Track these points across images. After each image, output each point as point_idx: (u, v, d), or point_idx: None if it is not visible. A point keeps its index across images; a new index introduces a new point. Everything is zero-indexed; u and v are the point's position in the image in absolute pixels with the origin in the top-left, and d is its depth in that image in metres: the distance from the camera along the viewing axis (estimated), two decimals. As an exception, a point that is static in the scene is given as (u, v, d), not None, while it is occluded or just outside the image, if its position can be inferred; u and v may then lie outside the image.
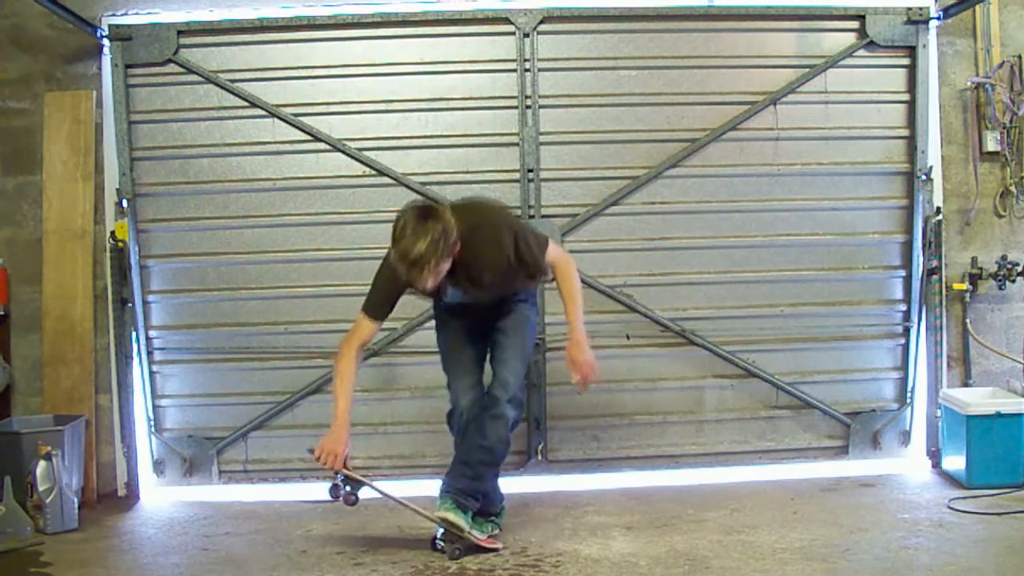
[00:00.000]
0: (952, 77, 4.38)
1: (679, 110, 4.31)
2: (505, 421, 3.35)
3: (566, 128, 4.29)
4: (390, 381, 4.33)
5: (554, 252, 3.35)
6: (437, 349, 3.58)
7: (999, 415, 3.92)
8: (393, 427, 4.35)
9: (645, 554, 3.27)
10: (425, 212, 3.05)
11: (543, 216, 4.26)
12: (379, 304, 3.32)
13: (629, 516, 3.72)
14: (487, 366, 3.51)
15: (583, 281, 4.22)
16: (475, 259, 3.16)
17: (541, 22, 4.23)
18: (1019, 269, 4.24)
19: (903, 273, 4.39)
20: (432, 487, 4.04)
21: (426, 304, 4.26)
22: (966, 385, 4.37)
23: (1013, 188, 4.38)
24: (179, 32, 4.20)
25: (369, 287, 3.33)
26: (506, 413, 3.35)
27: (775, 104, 4.30)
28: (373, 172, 4.27)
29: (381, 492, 3.40)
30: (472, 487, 3.35)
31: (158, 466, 4.29)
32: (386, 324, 4.27)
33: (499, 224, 3.26)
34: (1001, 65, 4.33)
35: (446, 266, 3.07)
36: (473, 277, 3.21)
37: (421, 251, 2.95)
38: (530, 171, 4.25)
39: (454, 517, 3.27)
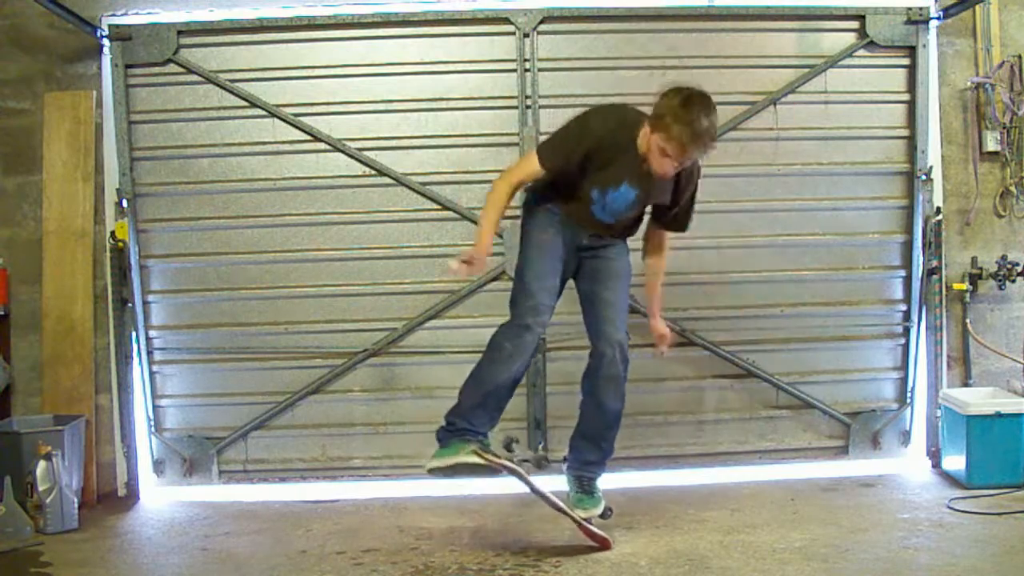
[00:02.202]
0: (952, 77, 4.38)
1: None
2: (622, 380, 3.29)
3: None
4: (390, 381, 4.33)
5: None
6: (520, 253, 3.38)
7: (999, 415, 3.92)
8: (393, 427, 4.35)
9: (645, 554, 3.27)
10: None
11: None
12: (557, 152, 3.19)
13: (629, 516, 3.71)
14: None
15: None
16: (675, 182, 3.22)
17: (541, 22, 4.23)
18: (1019, 269, 4.24)
19: (903, 273, 4.39)
20: (432, 487, 4.07)
21: (426, 304, 4.28)
22: (966, 385, 4.37)
23: (1013, 188, 4.38)
24: (179, 32, 4.20)
25: (554, 134, 3.27)
26: (621, 373, 3.28)
27: (775, 104, 4.30)
28: (373, 172, 4.27)
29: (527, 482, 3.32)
30: (605, 459, 3.38)
31: (158, 466, 4.29)
32: (386, 324, 4.34)
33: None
34: (1001, 65, 4.33)
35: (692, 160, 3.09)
36: (659, 193, 3.24)
37: (710, 126, 2.98)
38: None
39: (598, 509, 3.34)
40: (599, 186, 3.20)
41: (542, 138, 4.23)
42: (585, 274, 3.40)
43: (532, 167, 3.20)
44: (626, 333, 3.34)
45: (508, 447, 3.73)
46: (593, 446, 3.37)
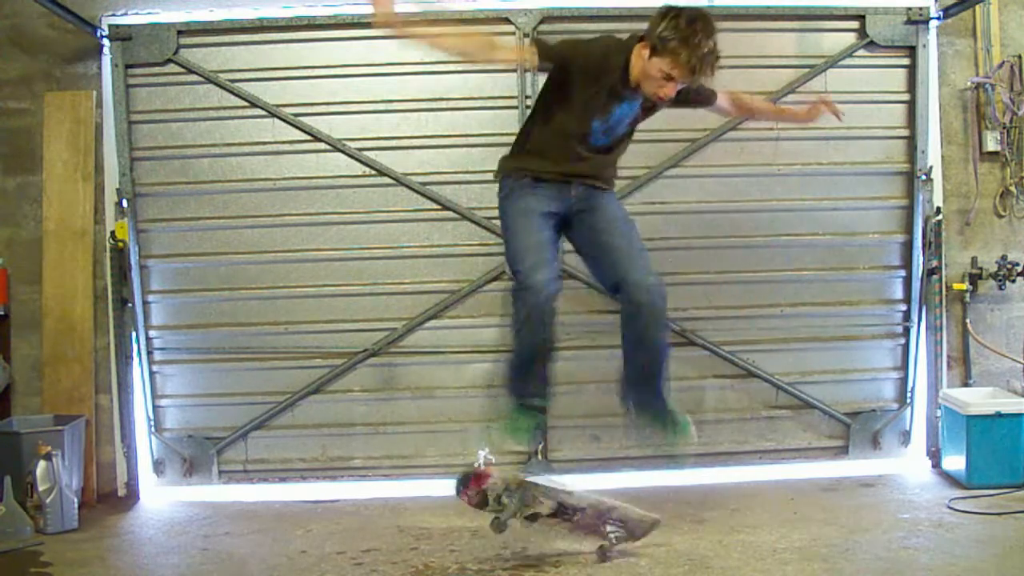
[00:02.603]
0: (952, 77, 4.38)
1: (679, 110, 4.29)
2: (665, 319, 3.16)
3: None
4: (390, 381, 4.33)
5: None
6: (502, 229, 3.25)
7: (999, 415, 3.92)
8: (393, 427, 4.35)
9: (645, 554, 3.27)
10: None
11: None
12: (559, 51, 3.03)
13: (629, 516, 3.71)
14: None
15: (583, 281, 4.25)
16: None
17: (541, 22, 4.23)
18: (1019, 269, 4.24)
19: (903, 273, 4.39)
20: (432, 487, 4.07)
21: (426, 304, 4.27)
22: (966, 385, 4.37)
23: (1013, 188, 4.38)
24: (179, 32, 4.20)
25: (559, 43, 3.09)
26: (663, 316, 3.13)
27: (775, 104, 4.29)
28: (373, 172, 4.27)
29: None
30: (665, 387, 3.26)
31: (158, 466, 4.29)
32: (386, 324, 4.33)
33: None
34: (1001, 65, 4.33)
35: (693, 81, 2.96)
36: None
37: (716, 45, 2.86)
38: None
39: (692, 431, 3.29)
40: (596, 114, 3.06)
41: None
42: (583, 231, 3.22)
43: (517, 51, 3.15)
44: (656, 275, 3.14)
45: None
46: (653, 383, 3.22)
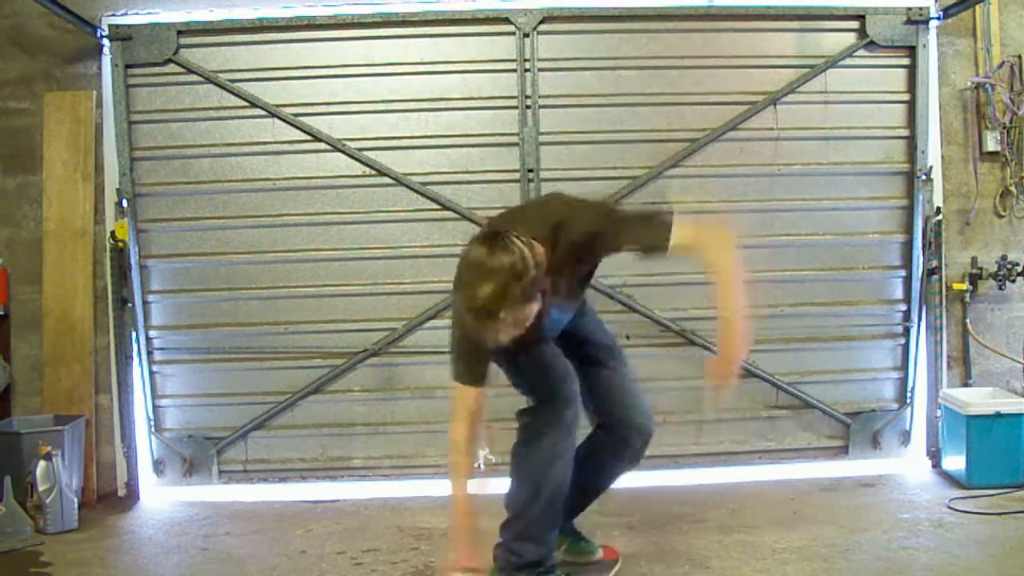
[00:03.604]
0: (952, 77, 4.38)
1: (679, 110, 4.31)
2: (641, 452, 2.96)
3: (566, 128, 4.28)
4: (390, 381, 4.33)
5: (682, 227, 2.59)
6: (514, 379, 2.83)
7: (999, 415, 3.92)
8: (393, 427, 4.35)
9: (645, 554, 3.27)
10: (492, 239, 2.36)
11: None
12: (470, 367, 2.59)
13: (629, 516, 3.71)
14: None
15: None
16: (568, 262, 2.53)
17: (541, 22, 4.23)
18: (1019, 269, 4.24)
19: (903, 273, 4.39)
20: (432, 487, 4.07)
21: (426, 304, 4.28)
22: (966, 385, 4.37)
23: (1013, 188, 4.38)
24: (179, 32, 4.20)
25: (450, 348, 2.67)
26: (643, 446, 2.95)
27: (775, 104, 4.30)
28: (373, 172, 4.27)
29: None
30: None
31: (158, 466, 4.29)
32: (385, 324, 4.34)
33: (579, 204, 2.60)
34: (1001, 65, 4.33)
35: (534, 308, 2.35)
36: (558, 295, 2.58)
37: (492, 297, 2.25)
38: (530, 171, 4.25)
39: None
40: (540, 324, 2.53)
41: (542, 138, 4.26)
42: (582, 339, 2.91)
43: (469, 394, 2.60)
44: (649, 409, 2.95)
45: None
46: (580, 509, 3.05)
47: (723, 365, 2.43)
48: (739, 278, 2.47)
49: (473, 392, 2.61)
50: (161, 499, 4.21)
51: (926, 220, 4.27)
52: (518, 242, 2.34)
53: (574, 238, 2.48)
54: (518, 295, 2.28)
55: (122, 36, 4.18)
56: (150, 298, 4.30)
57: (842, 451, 4.38)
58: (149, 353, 4.28)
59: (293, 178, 4.29)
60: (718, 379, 2.46)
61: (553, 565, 2.83)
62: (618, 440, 2.93)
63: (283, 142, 4.27)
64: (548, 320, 2.60)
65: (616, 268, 4.29)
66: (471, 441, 2.64)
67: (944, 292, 4.32)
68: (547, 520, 2.74)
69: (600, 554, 3.14)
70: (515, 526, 2.75)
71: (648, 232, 2.53)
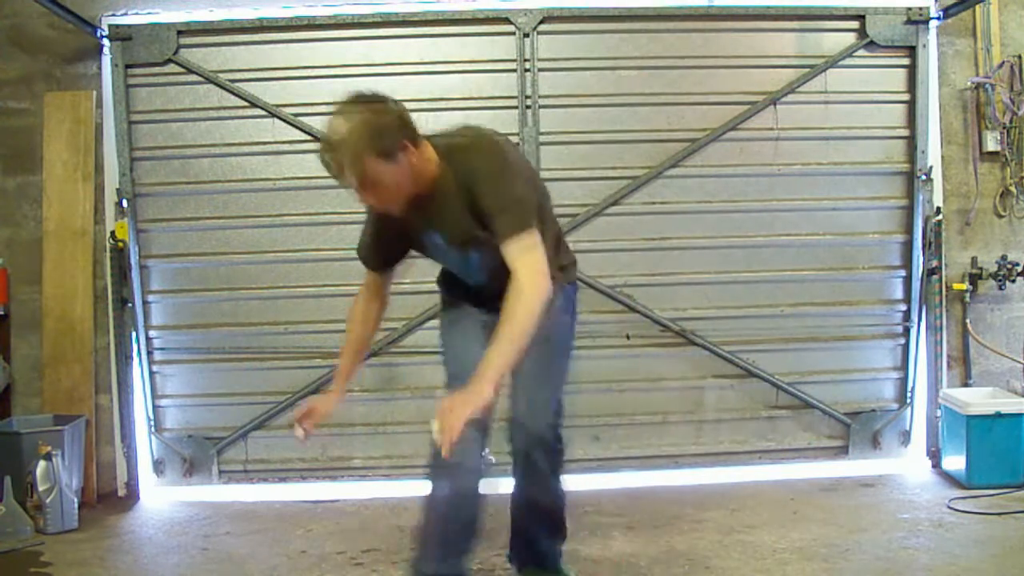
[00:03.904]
0: (952, 77, 4.38)
1: (679, 110, 4.31)
2: (538, 463, 2.59)
3: (566, 128, 4.28)
4: (390, 381, 4.33)
5: (524, 250, 2.32)
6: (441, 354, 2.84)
7: (999, 415, 3.92)
8: (393, 427, 4.35)
9: (645, 554, 3.27)
10: (365, 95, 2.33)
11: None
12: (366, 245, 2.66)
13: (629, 516, 3.72)
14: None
15: (583, 281, 4.25)
16: (445, 190, 2.41)
17: (541, 22, 4.23)
18: (1019, 269, 4.24)
19: (903, 273, 4.39)
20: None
21: (426, 304, 4.27)
22: (966, 385, 4.37)
23: (1013, 188, 4.38)
24: (179, 32, 4.20)
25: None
26: (532, 453, 2.57)
27: (775, 104, 4.30)
28: (373, 172, 4.27)
29: None
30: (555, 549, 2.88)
31: (158, 466, 4.29)
32: (386, 324, 4.30)
33: (492, 146, 2.45)
34: (1001, 65, 4.33)
35: (389, 174, 2.29)
36: (440, 215, 2.45)
37: (342, 133, 2.23)
38: None
39: None
40: (417, 234, 2.57)
41: (542, 138, 4.26)
42: None
43: (367, 275, 2.72)
44: (552, 418, 2.59)
45: None
46: (537, 546, 2.85)
47: (444, 404, 2.20)
48: (520, 336, 2.24)
49: (369, 274, 2.70)
50: (161, 499, 4.21)
51: (926, 220, 4.27)
52: (397, 107, 2.33)
53: (457, 166, 2.41)
54: (369, 140, 2.23)
55: (122, 36, 4.18)
56: (150, 298, 4.30)
57: (842, 451, 4.38)
58: (149, 353, 4.28)
59: (293, 178, 4.29)
60: (440, 418, 2.19)
61: None
62: (512, 451, 2.61)
63: (283, 142, 4.27)
64: (430, 240, 2.53)
65: (616, 268, 4.31)
66: (365, 299, 2.71)
67: (944, 292, 4.32)
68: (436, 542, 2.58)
69: None
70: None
71: (505, 217, 2.35)
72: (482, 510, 2.56)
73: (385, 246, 2.66)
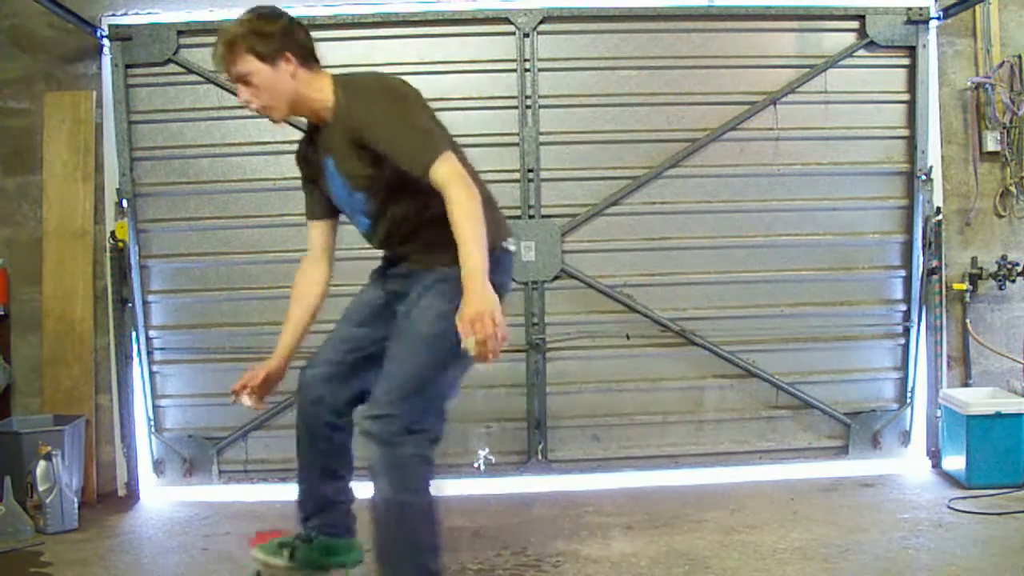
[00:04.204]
0: (952, 77, 4.38)
1: (679, 110, 4.31)
2: (380, 458, 2.48)
3: (566, 128, 4.29)
4: (390, 381, 4.32)
5: (449, 168, 2.30)
6: None
7: (999, 415, 3.92)
8: (393, 427, 4.34)
9: (645, 554, 3.27)
10: (265, 8, 2.50)
11: (543, 216, 4.25)
12: (305, 195, 2.73)
13: (629, 516, 3.72)
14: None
15: (583, 282, 4.25)
16: (340, 122, 2.45)
17: (541, 22, 4.23)
18: (1019, 269, 4.24)
19: (903, 273, 4.39)
20: (431, 487, 4.05)
21: (426, 304, 4.27)
22: (966, 385, 4.37)
23: (1013, 188, 4.38)
24: (179, 32, 4.19)
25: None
26: (377, 465, 2.48)
27: (775, 104, 4.30)
28: (373, 172, 4.27)
29: None
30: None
31: (158, 466, 4.29)
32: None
33: (394, 83, 2.44)
34: (1001, 65, 4.33)
35: (263, 75, 2.45)
36: (333, 148, 2.48)
37: (227, 28, 2.47)
38: (530, 171, 4.25)
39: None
40: (327, 192, 2.62)
41: (542, 138, 4.26)
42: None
43: (309, 229, 2.76)
44: (401, 412, 2.41)
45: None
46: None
47: (464, 320, 2.13)
48: (474, 233, 2.22)
49: (310, 227, 2.72)
50: (161, 499, 4.21)
51: (926, 220, 4.27)
52: (291, 24, 2.49)
53: (354, 102, 2.43)
54: (246, 37, 2.43)
55: (122, 36, 4.18)
56: (150, 298, 4.30)
57: (842, 451, 4.38)
58: (149, 353, 4.28)
59: (293, 178, 4.19)
60: (464, 332, 2.13)
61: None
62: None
63: (283, 142, 4.24)
64: (327, 174, 2.54)
65: (616, 268, 4.31)
66: (303, 287, 2.79)
67: (944, 292, 4.32)
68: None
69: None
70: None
71: (412, 143, 2.33)
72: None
73: (314, 191, 2.70)
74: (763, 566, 3.12)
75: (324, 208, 2.70)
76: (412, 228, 2.52)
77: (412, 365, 2.41)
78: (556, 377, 4.31)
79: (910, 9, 4.26)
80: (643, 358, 4.35)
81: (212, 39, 4.14)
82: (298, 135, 4.16)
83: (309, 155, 2.65)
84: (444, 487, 3.98)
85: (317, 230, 2.74)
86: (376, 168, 2.41)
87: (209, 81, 4.23)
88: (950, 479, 4.08)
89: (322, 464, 2.74)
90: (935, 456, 4.29)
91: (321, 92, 2.49)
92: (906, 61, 4.32)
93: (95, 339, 4.25)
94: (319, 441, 2.72)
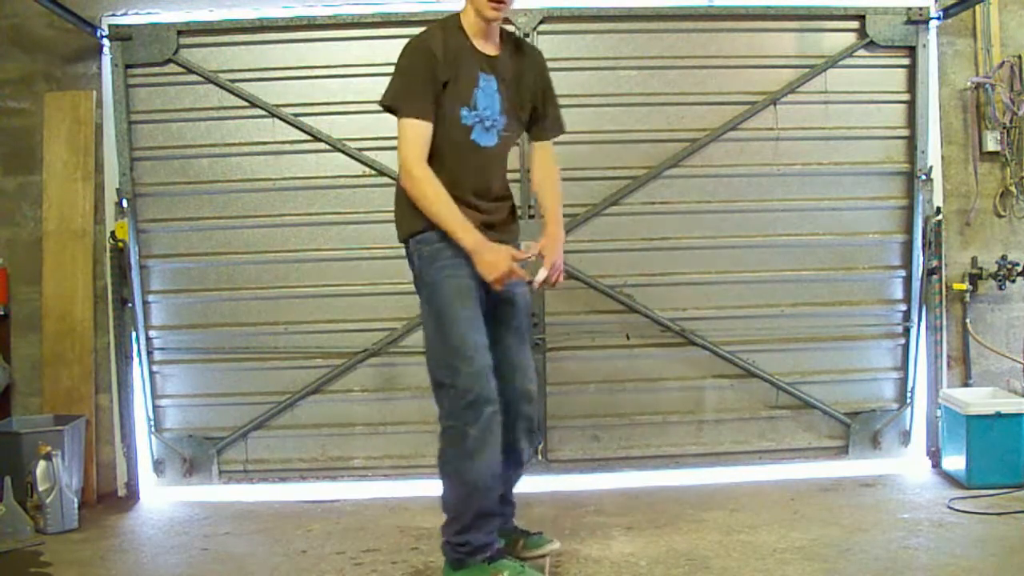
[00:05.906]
0: (952, 77, 4.38)
1: (679, 110, 4.31)
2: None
3: (566, 128, 4.27)
4: (390, 381, 4.33)
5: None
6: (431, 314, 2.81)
7: (999, 415, 3.92)
8: (393, 427, 4.35)
9: (645, 554, 3.27)
10: None
11: (543, 216, 4.24)
12: (418, 94, 2.74)
13: (629, 516, 3.72)
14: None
15: (583, 281, 4.26)
16: (519, 61, 2.92)
17: (541, 22, 4.23)
18: (1019, 269, 4.24)
19: (903, 273, 4.39)
20: (432, 487, 4.06)
21: (426, 304, 4.27)
22: (966, 385, 4.37)
23: (1013, 188, 4.38)
24: (179, 32, 4.20)
25: (393, 83, 2.81)
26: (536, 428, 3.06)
27: (775, 104, 4.30)
28: (373, 172, 4.27)
29: None
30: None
31: (158, 466, 4.29)
32: (386, 324, 4.34)
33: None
34: (1001, 65, 4.33)
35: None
36: (515, 81, 2.90)
37: None
38: (530, 171, 4.24)
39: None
40: (464, 101, 2.78)
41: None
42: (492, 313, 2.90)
43: (420, 128, 2.74)
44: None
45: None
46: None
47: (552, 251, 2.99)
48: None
49: (423, 124, 2.75)
50: (161, 499, 4.21)
51: (926, 220, 4.28)
52: None
53: (536, 53, 3.17)
54: None
55: (122, 36, 4.18)
56: (150, 298, 4.31)
57: (842, 451, 4.38)
58: (149, 353, 4.28)
59: (293, 178, 4.29)
60: (548, 262, 2.92)
61: (500, 550, 2.87)
62: (506, 429, 2.82)
63: (283, 142, 4.27)
64: (480, 92, 2.81)
65: (616, 268, 4.31)
66: (430, 174, 2.75)
67: (944, 292, 4.32)
68: (485, 513, 2.81)
69: (557, 543, 3.16)
70: (454, 525, 2.84)
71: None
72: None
73: (433, 90, 2.77)
74: (763, 566, 3.11)
75: (434, 111, 2.78)
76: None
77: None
78: (556, 377, 4.30)
79: (910, 9, 4.26)
80: (643, 358, 4.35)
81: (212, 39, 4.24)
82: (298, 135, 4.24)
83: (457, 59, 2.77)
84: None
85: (427, 128, 2.77)
86: (526, 114, 2.99)
87: (209, 81, 4.23)
88: (950, 479, 4.08)
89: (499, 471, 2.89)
90: (935, 456, 4.30)
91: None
92: (906, 61, 4.32)
93: (95, 339, 4.26)
94: (502, 449, 2.86)
